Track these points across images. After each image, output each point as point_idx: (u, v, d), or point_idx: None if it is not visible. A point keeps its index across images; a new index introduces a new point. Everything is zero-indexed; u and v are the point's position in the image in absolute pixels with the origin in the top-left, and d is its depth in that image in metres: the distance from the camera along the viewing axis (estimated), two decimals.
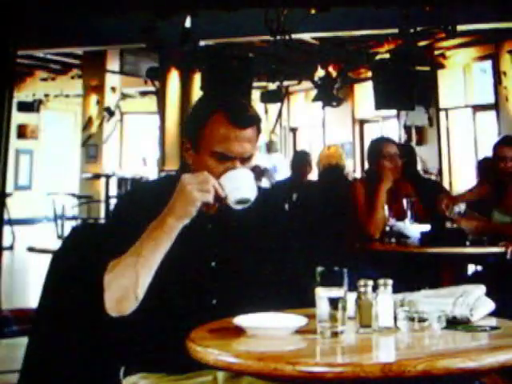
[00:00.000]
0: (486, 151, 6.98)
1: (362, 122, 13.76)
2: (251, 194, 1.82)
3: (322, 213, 4.65)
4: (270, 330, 1.59)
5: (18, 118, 15.09)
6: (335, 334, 1.55)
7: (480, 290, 1.77)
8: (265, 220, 1.97)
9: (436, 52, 11.39)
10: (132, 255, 1.75)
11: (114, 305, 1.76)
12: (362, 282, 1.64)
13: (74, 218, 12.62)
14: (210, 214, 1.89)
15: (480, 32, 9.94)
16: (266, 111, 14.46)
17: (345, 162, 5.71)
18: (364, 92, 12.64)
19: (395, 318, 1.62)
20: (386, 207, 3.97)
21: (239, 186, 1.80)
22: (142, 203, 1.88)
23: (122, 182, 12.80)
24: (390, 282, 1.65)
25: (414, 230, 3.81)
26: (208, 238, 1.90)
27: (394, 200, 4.05)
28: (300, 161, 6.96)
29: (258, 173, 9.24)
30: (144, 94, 15.97)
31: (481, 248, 3.75)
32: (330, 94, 11.50)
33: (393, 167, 4.08)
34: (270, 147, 11.93)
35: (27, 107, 15.85)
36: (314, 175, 6.89)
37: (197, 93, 10.40)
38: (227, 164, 1.83)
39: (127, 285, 1.74)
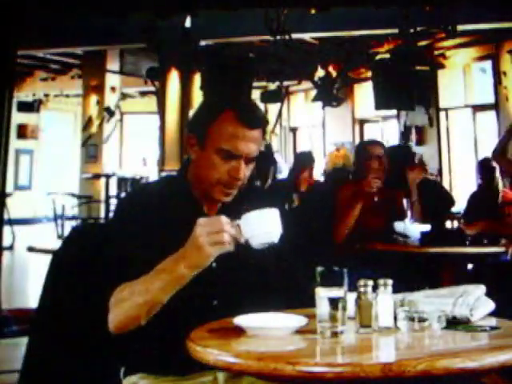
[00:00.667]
0: (486, 151, 7.00)
1: (362, 122, 13.76)
2: (276, 237, 1.68)
3: (327, 213, 4.64)
4: (270, 330, 1.58)
5: (17, 118, 15.08)
6: (335, 334, 1.55)
7: (480, 290, 1.77)
8: None
9: (436, 52, 11.38)
10: (141, 285, 1.72)
11: (116, 326, 1.77)
12: (361, 282, 1.63)
13: (74, 218, 12.62)
14: (211, 216, 1.90)
15: (480, 32, 9.93)
16: (266, 111, 14.46)
17: (351, 164, 5.69)
18: (364, 92, 12.64)
19: (395, 318, 1.62)
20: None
21: (263, 231, 1.66)
22: (144, 206, 1.88)
23: (121, 181, 12.81)
24: (390, 282, 1.65)
25: (414, 229, 3.80)
26: None
27: (375, 212, 4.01)
28: (304, 161, 6.95)
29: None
30: (144, 93, 15.96)
31: (481, 248, 3.75)
32: (330, 94, 11.48)
33: (377, 169, 4.08)
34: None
35: (27, 107, 15.85)
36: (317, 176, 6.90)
37: (197, 93, 10.40)
38: (232, 163, 1.83)
39: (131, 315, 1.74)
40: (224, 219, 1.65)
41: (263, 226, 1.66)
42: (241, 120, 1.83)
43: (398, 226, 3.86)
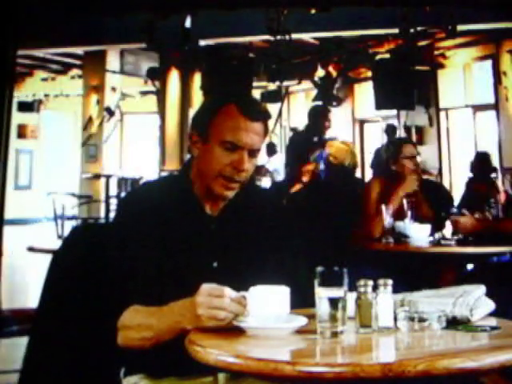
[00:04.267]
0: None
1: (361, 122, 13.76)
2: (284, 315, 1.63)
3: (325, 210, 4.62)
4: (270, 330, 1.58)
5: (17, 118, 15.07)
6: (335, 334, 1.55)
7: (480, 290, 1.77)
8: (266, 221, 1.98)
9: (436, 52, 11.39)
10: (147, 320, 1.74)
11: (122, 345, 1.79)
12: (362, 282, 1.63)
13: (74, 218, 12.61)
14: (213, 215, 1.91)
15: (480, 32, 9.94)
16: None
17: (351, 161, 5.60)
18: (364, 92, 12.65)
19: (395, 318, 1.62)
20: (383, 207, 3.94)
21: (270, 311, 1.61)
22: (145, 206, 1.88)
23: (121, 181, 12.80)
24: (389, 282, 1.65)
25: (413, 229, 3.80)
26: (210, 238, 1.90)
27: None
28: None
29: (263, 173, 9.25)
30: (144, 93, 15.97)
31: (481, 248, 3.74)
32: (330, 94, 11.49)
33: (415, 170, 4.09)
34: (269, 150, 11.93)
35: (27, 107, 15.84)
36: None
37: (197, 93, 10.41)
38: (235, 155, 1.84)
39: (137, 344, 1.76)
40: (228, 292, 1.61)
41: (271, 306, 1.62)
42: (243, 112, 1.84)
43: (398, 225, 3.85)
